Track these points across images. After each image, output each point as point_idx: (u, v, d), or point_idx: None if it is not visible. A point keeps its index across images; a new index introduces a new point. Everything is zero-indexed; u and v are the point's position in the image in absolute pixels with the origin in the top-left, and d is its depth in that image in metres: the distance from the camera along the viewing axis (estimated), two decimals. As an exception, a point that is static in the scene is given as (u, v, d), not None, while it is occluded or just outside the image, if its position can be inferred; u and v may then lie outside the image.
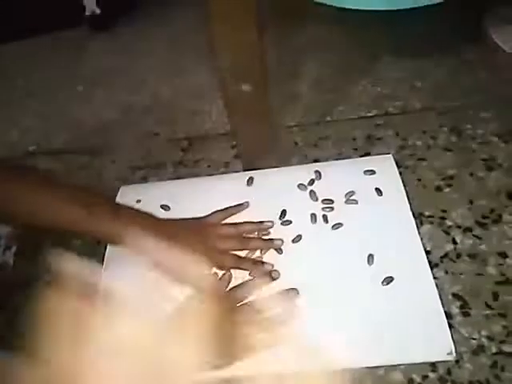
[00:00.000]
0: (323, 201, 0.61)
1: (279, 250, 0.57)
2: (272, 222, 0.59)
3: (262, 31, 0.51)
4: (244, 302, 0.51)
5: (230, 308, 0.49)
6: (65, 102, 0.91)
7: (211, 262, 0.55)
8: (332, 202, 0.60)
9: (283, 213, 0.60)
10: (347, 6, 0.50)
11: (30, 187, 0.50)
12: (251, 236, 0.58)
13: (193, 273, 0.49)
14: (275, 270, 0.54)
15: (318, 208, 0.60)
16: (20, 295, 0.60)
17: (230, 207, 0.61)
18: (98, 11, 1.07)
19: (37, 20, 1.05)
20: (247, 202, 0.62)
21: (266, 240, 0.58)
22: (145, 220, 0.54)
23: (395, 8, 0.50)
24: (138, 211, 0.55)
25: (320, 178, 0.63)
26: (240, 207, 0.61)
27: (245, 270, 0.55)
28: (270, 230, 0.59)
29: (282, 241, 0.57)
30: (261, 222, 0.59)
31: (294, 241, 0.57)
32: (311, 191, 0.62)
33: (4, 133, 0.86)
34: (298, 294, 0.52)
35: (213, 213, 0.60)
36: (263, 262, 0.55)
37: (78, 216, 0.50)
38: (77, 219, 0.51)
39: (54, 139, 0.84)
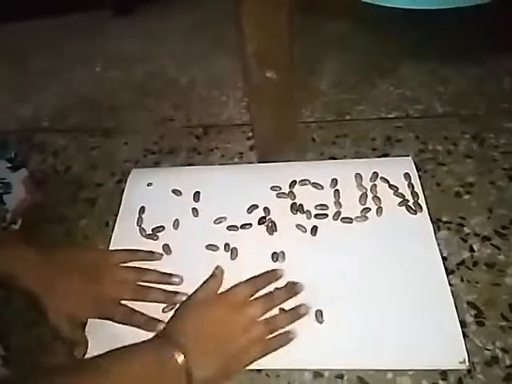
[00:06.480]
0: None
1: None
2: (181, 277, 0.52)
3: (292, 18, 0.50)
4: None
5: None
6: (82, 82, 0.90)
7: (98, 312, 0.49)
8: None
9: (301, 206, 0.59)
10: (396, 6, 0.47)
11: None
12: (151, 286, 0.51)
13: (65, 326, 0.47)
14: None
15: (331, 202, 0.59)
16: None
17: (141, 251, 0.54)
18: (120, -6, 1.06)
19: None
20: (160, 255, 0.54)
21: (169, 292, 0.50)
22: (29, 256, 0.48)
23: (444, 7, 0.47)
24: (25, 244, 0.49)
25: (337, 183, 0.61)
26: (151, 256, 0.54)
27: (135, 326, 0.48)
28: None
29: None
30: (169, 275, 0.52)
31: (312, 232, 0.56)
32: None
33: (18, 108, 0.85)
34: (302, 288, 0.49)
35: (117, 251, 0.55)
36: (159, 320, 0.48)
37: None
38: None
39: (68, 117, 0.83)
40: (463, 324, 0.48)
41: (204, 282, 0.49)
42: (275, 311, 0.47)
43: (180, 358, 0.40)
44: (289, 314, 0.47)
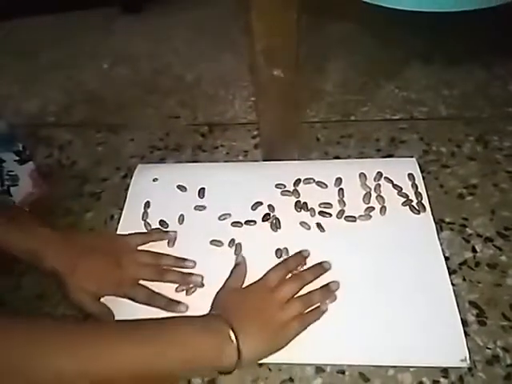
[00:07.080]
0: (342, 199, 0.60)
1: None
2: (194, 262, 0.54)
3: (300, 16, 0.50)
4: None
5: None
6: (88, 79, 0.91)
7: (120, 292, 0.50)
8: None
9: (305, 204, 0.59)
10: (405, 8, 0.48)
11: None
12: (170, 268, 0.54)
13: (88, 301, 0.49)
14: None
15: (335, 201, 0.59)
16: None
17: (154, 233, 0.57)
18: (129, -8, 1.07)
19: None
20: (175, 234, 0.57)
21: (184, 274, 0.53)
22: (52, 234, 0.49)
23: (462, 9, 0.48)
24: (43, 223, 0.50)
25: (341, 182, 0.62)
26: (166, 236, 0.56)
27: (156, 307, 0.50)
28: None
29: (202, 277, 0.52)
30: (183, 259, 0.54)
31: (316, 230, 0.57)
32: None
33: (25, 102, 0.86)
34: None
35: (133, 234, 0.56)
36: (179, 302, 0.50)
37: None
38: None
39: (74, 113, 0.83)
40: (465, 323, 0.48)
41: (232, 272, 0.52)
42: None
43: (233, 336, 0.41)
44: (322, 290, 0.49)
